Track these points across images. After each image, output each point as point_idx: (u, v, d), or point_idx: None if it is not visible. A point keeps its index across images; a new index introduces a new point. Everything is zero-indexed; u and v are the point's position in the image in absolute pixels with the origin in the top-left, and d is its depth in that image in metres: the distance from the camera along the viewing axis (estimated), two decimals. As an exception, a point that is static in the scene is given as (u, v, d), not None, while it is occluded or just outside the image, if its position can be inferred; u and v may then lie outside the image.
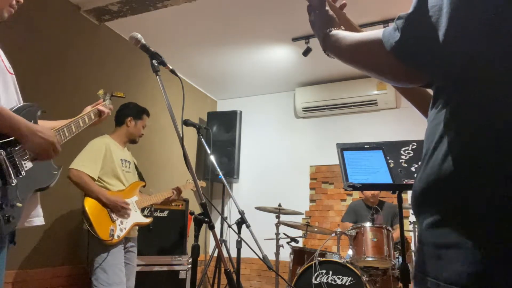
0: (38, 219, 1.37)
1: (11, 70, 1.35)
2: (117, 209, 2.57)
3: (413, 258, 3.29)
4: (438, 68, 0.73)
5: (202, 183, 3.46)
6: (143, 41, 1.70)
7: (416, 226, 3.33)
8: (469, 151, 0.66)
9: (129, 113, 2.88)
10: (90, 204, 2.49)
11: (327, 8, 1.04)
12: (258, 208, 3.56)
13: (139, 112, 2.91)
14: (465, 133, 0.67)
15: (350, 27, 1.10)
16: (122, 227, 2.60)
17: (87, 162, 2.58)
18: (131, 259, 2.75)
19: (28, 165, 1.28)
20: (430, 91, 0.86)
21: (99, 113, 1.84)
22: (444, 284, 0.64)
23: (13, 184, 1.18)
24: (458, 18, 0.68)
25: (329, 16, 1.03)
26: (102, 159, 2.64)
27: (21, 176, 1.23)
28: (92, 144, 2.68)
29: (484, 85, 0.67)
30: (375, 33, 0.82)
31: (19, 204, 1.19)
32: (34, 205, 1.36)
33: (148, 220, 2.81)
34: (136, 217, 2.72)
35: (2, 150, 1.18)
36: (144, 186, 2.92)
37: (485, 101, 0.67)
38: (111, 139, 2.80)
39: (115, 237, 2.53)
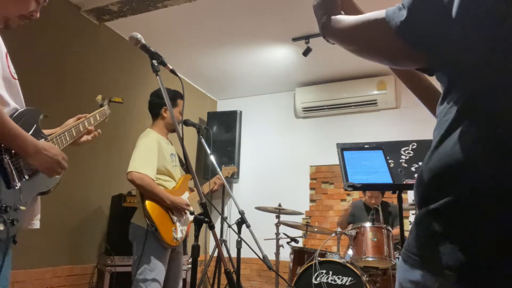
0: (38, 222, 1.37)
1: (15, 76, 1.34)
2: (179, 212, 2.53)
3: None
4: (446, 54, 0.71)
5: (233, 168, 3.39)
6: (143, 41, 1.70)
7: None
8: (476, 148, 0.66)
9: (163, 102, 2.64)
10: (152, 208, 2.42)
11: None
12: (258, 208, 3.56)
13: (172, 98, 2.64)
14: (474, 130, 0.67)
15: (356, 13, 1.07)
16: (181, 228, 2.55)
17: (146, 163, 2.47)
18: (179, 259, 2.68)
19: (31, 168, 1.28)
20: (436, 84, 0.84)
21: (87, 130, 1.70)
22: (445, 270, 0.64)
23: (17, 188, 1.19)
24: (473, 3, 0.67)
25: (333, 1, 0.99)
26: (157, 158, 2.54)
27: (24, 179, 1.24)
28: (145, 143, 2.55)
29: (498, 78, 0.66)
30: (377, 12, 0.78)
31: (22, 207, 1.19)
32: (37, 208, 1.37)
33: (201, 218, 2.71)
34: (189, 216, 2.64)
35: (6, 154, 1.18)
36: (190, 179, 2.80)
37: (499, 95, 0.66)
38: (158, 134, 2.65)
39: (178, 239, 2.50)
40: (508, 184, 0.62)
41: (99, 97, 1.97)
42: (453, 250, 0.64)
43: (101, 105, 1.94)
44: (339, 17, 0.92)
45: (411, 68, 0.80)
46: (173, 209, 2.52)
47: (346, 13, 1.00)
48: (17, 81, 1.33)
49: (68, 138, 1.56)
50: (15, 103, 1.30)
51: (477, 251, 0.62)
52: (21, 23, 1.36)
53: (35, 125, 1.34)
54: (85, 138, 1.70)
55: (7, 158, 1.17)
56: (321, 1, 1.00)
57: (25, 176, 1.24)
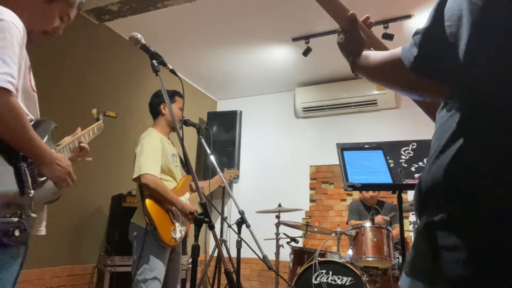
0: (44, 228, 1.41)
1: (35, 88, 1.37)
2: (187, 217, 2.55)
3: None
4: (458, 78, 0.72)
5: (236, 171, 3.41)
6: (143, 41, 1.70)
7: (415, 225, 3.33)
8: (477, 159, 0.65)
9: (161, 100, 2.70)
10: (151, 207, 2.42)
11: (359, 30, 1.02)
12: (259, 212, 3.57)
13: (170, 96, 2.68)
14: (477, 139, 0.66)
15: (376, 44, 1.09)
16: (180, 229, 2.56)
17: (154, 164, 2.48)
18: (178, 260, 2.68)
19: (42, 177, 1.31)
20: None
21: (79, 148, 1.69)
22: (443, 284, 0.64)
23: (30, 195, 1.22)
24: (480, 28, 0.67)
25: (360, 38, 1.02)
26: (161, 158, 2.55)
27: (36, 188, 1.26)
28: (149, 143, 2.55)
29: (501, 96, 0.67)
30: (396, 51, 0.82)
31: (33, 215, 1.23)
32: (44, 215, 1.40)
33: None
34: None
35: (24, 163, 1.21)
36: (192, 180, 2.78)
37: (500, 112, 0.66)
38: (160, 133, 2.67)
39: (177, 239, 2.50)
40: (501, 208, 0.61)
41: (94, 111, 1.97)
42: (454, 263, 0.63)
43: (97, 119, 1.93)
44: (365, 54, 0.95)
45: (439, 100, 0.82)
46: (182, 215, 2.53)
47: (370, 46, 1.02)
48: (35, 94, 1.36)
49: (69, 153, 1.59)
50: (31, 114, 1.33)
51: (479, 264, 0.62)
52: (44, 38, 1.40)
53: (47, 135, 1.37)
54: (79, 158, 1.70)
55: (25, 166, 1.20)
56: (346, 40, 1.03)
57: (38, 185, 1.27)
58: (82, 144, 1.66)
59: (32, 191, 1.22)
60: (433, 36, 0.74)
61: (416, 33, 0.76)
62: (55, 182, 1.33)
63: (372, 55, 0.92)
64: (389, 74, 0.87)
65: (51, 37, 1.42)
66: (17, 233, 1.14)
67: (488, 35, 0.67)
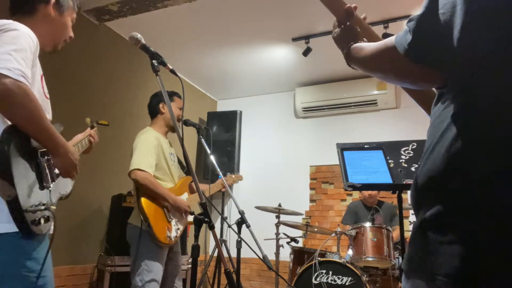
0: (53, 226, 1.46)
1: (48, 95, 1.43)
2: (180, 212, 2.55)
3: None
4: (451, 66, 0.72)
5: (239, 176, 3.42)
6: (143, 41, 1.70)
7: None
8: (471, 150, 0.65)
9: (160, 99, 2.72)
10: (147, 205, 2.43)
11: (354, 23, 1.05)
12: (258, 208, 3.56)
13: (169, 95, 2.62)
14: (469, 132, 0.66)
15: (373, 38, 1.10)
16: (177, 228, 2.55)
17: (146, 160, 2.47)
18: (177, 259, 2.68)
19: (56, 172, 1.39)
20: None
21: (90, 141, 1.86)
22: (442, 278, 0.64)
23: (50, 189, 1.31)
24: (473, 16, 0.67)
25: (354, 30, 1.03)
26: (156, 155, 2.55)
27: (54, 182, 1.35)
28: (145, 140, 2.55)
29: (494, 86, 0.67)
30: (390, 39, 0.82)
31: (53, 207, 1.30)
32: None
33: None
34: (189, 217, 2.65)
35: (43, 158, 1.28)
36: (191, 181, 2.82)
37: (493, 102, 0.66)
38: (157, 132, 2.67)
39: (172, 238, 2.50)
40: (508, 189, 0.61)
41: (88, 120, 2.04)
42: (450, 258, 0.64)
43: (92, 127, 1.99)
44: (359, 45, 0.96)
45: (433, 88, 0.82)
46: (174, 210, 2.52)
47: (365, 38, 1.03)
48: (49, 100, 1.44)
49: (80, 149, 1.71)
50: None
51: (474, 259, 0.62)
52: (63, 44, 1.56)
53: None
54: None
55: (44, 161, 1.29)
56: (340, 33, 1.04)
57: (55, 179, 1.36)
58: (90, 138, 1.79)
59: (51, 185, 1.31)
60: (427, 23, 0.74)
61: (410, 20, 0.76)
62: (62, 172, 1.40)
63: (366, 45, 0.93)
64: (382, 63, 0.87)
65: (67, 43, 1.58)
66: (42, 221, 1.22)
67: (481, 23, 0.67)
